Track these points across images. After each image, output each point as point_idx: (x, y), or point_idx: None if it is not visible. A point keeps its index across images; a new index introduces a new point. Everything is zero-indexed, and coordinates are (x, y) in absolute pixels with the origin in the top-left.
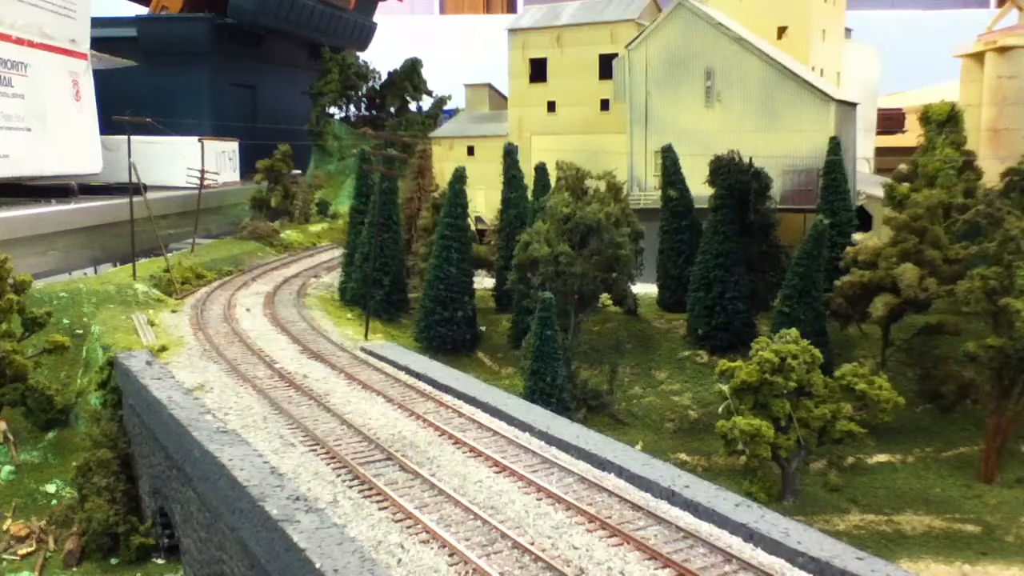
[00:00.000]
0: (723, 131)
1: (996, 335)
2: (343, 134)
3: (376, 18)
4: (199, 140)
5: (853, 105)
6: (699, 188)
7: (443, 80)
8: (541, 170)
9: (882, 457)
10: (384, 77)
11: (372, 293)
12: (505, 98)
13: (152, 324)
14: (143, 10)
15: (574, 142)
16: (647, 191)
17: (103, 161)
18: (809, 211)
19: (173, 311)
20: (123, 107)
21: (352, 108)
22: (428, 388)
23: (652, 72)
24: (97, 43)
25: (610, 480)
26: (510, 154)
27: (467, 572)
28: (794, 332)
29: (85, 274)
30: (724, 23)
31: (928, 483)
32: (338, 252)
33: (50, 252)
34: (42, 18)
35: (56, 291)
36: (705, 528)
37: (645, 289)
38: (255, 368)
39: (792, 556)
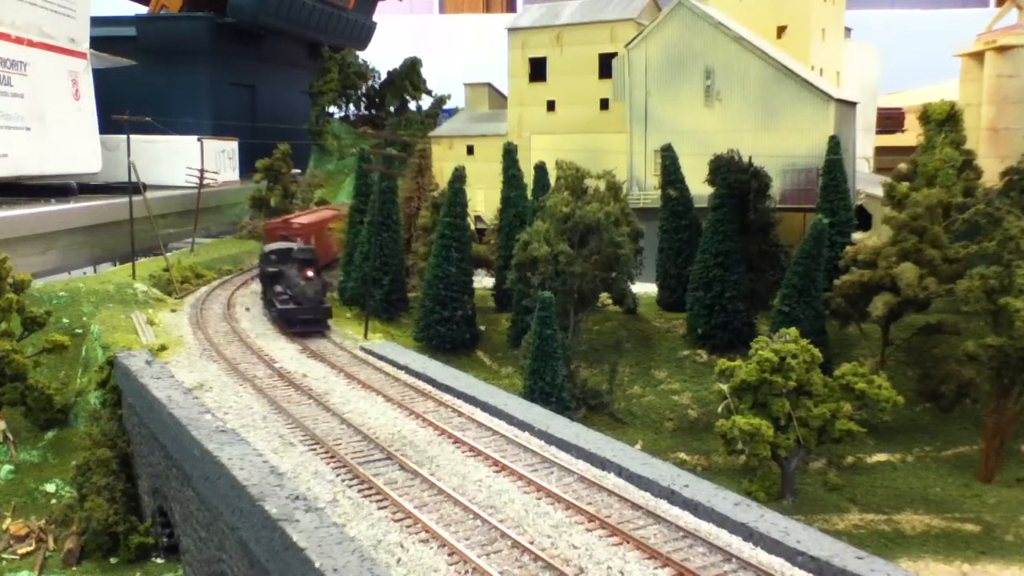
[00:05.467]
0: (723, 130)
1: (996, 334)
2: (343, 133)
3: (376, 17)
4: (198, 139)
5: (853, 104)
6: (699, 187)
7: (443, 79)
8: (541, 169)
9: (881, 456)
10: (384, 76)
11: (371, 292)
12: (505, 97)
13: (151, 323)
14: (143, 9)
15: (574, 141)
16: (647, 190)
17: (102, 160)
18: (809, 210)
19: (172, 310)
20: (122, 106)
21: (352, 107)
22: (427, 387)
23: (652, 71)
24: (96, 42)
25: (610, 479)
26: (510, 153)
27: (467, 571)
28: (793, 331)
29: (85, 273)
30: (724, 22)
31: (927, 482)
32: None
33: (49, 251)
34: (41, 17)
35: (56, 290)
36: (705, 527)
37: (645, 288)
38: (254, 367)
39: (792, 555)
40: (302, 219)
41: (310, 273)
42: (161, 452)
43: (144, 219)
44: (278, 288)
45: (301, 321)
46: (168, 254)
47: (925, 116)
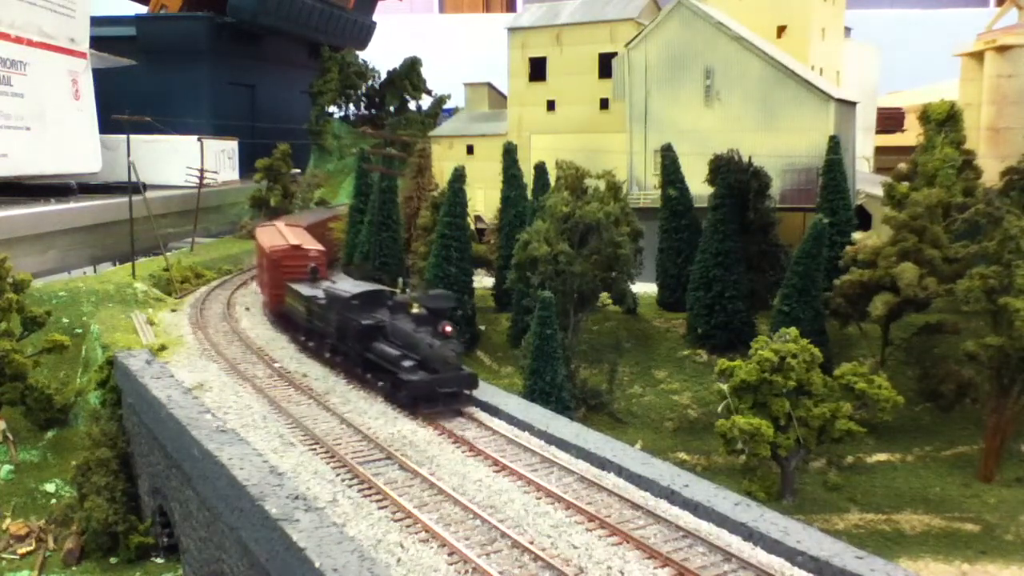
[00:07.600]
0: (722, 130)
1: (995, 334)
2: (342, 133)
3: (375, 17)
4: (198, 139)
5: (852, 104)
6: (698, 187)
7: (443, 79)
8: (541, 169)
9: (881, 456)
10: (383, 76)
11: None
12: (505, 97)
13: (151, 323)
14: (142, 9)
15: (574, 141)
16: (647, 190)
17: (102, 160)
18: (809, 210)
19: (172, 310)
20: (122, 106)
21: (351, 107)
22: None
23: (651, 71)
24: (96, 42)
25: (609, 479)
26: (510, 153)
27: (466, 571)
28: (793, 331)
29: (84, 273)
30: (724, 22)
31: (927, 482)
32: None
33: (49, 251)
34: (41, 17)
35: (55, 290)
36: (705, 527)
37: (644, 288)
38: (254, 367)
39: (791, 555)
40: (314, 243)
41: (449, 328)
42: (161, 452)
43: (144, 219)
44: (391, 351)
45: (443, 396)
46: (168, 254)
47: (925, 116)
